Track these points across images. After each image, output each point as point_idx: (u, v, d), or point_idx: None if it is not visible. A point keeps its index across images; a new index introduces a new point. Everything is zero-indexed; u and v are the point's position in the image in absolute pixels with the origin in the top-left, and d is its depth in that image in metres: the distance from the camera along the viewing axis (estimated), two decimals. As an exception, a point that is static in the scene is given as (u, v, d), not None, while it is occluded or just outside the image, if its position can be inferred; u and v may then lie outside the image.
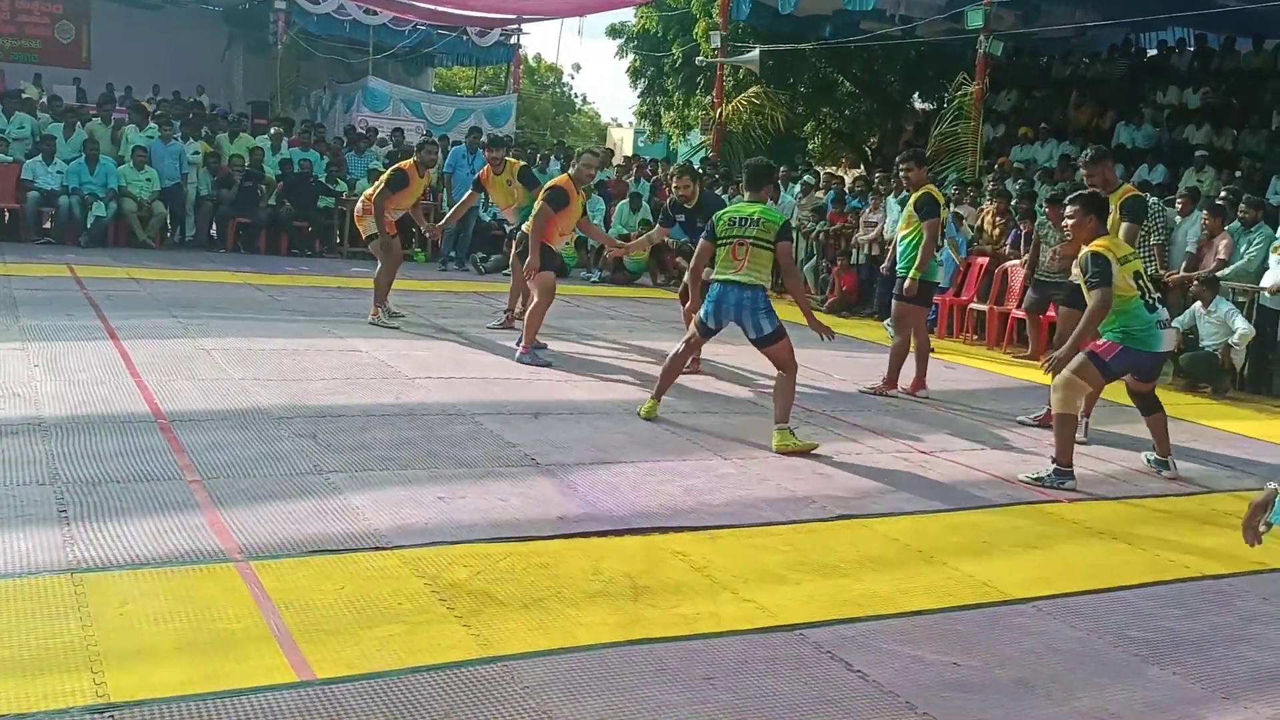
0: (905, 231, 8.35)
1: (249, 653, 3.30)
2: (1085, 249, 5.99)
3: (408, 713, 3.03)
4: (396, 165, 10.20)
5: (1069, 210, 6.16)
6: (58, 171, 13.69)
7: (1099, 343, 6.04)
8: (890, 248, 9.17)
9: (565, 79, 47.42)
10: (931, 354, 8.77)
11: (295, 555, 4.10)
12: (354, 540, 4.30)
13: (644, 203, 16.44)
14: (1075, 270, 6.38)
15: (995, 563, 4.72)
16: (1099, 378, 6.10)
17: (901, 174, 8.65)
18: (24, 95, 16.80)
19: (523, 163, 10.93)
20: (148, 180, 14.08)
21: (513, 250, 9.99)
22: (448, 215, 11.33)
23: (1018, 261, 11.51)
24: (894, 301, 8.44)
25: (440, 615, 3.69)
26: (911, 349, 8.38)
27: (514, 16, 23.79)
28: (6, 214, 13.81)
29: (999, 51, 15.74)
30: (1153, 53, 20.70)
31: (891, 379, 8.39)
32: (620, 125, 45.80)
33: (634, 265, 15.36)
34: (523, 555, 4.31)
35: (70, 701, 2.91)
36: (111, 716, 2.87)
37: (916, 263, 8.09)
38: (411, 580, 3.97)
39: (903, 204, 9.04)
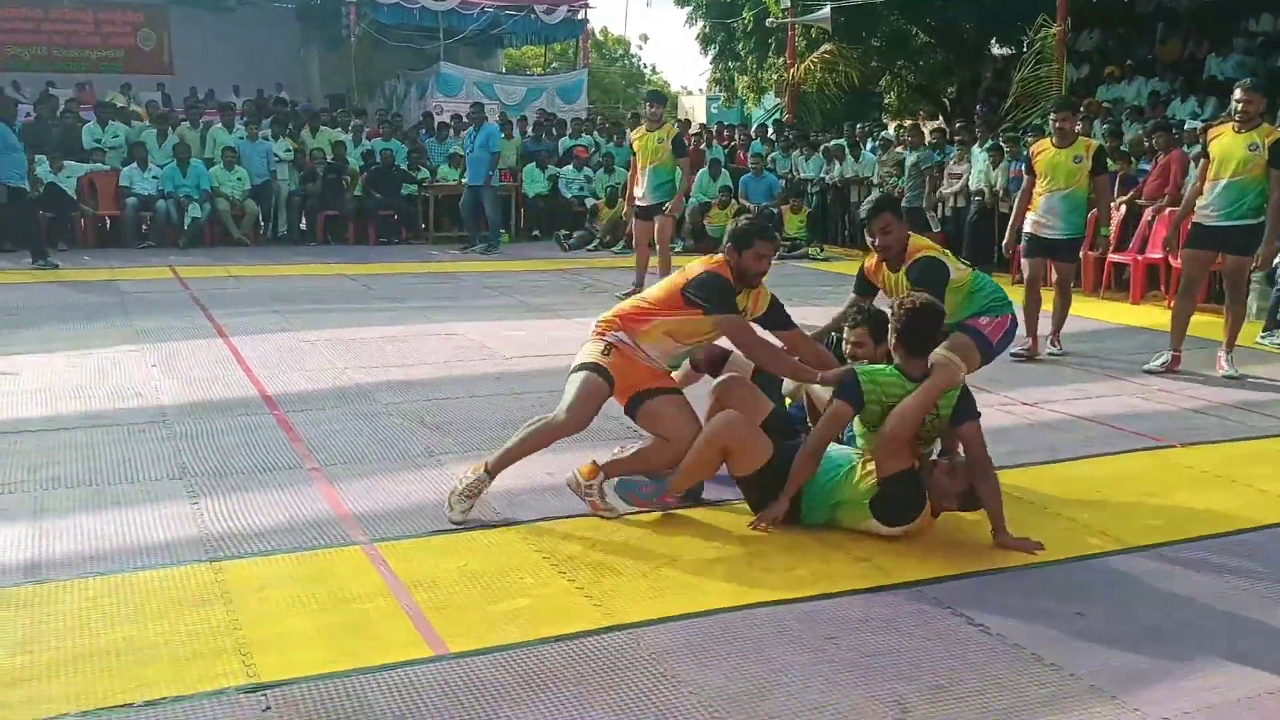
0: (1065, 188, 7.76)
1: (383, 630, 3.43)
2: None
3: (540, 682, 3.12)
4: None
5: None
6: (153, 177, 14.15)
7: None
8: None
9: (633, 50, 47.35)
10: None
11: (417, 535, 4.23)
12: (471, 518, 4.42)
13: (723, 169, 16.38)
14: None
15: (1111, 511, 4.67)
16: None
17: (1057, 125, 7.87)
18: (118, 105, 17.34)
19: (678, 129, 10.95)
20: (238, 179, 14.46)
21: (632, 226, 10.41)
22: (624, 194, 11.96)
23: (1161, 204, 11.05)
24: (1056, 262, 7.99)
25: (562, 587, 3.79)
26: (1046, 307, 8.08)
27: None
28: (108, 221, 14.32)
29: (1080, -12, 15.30)
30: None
31: (1048, 334, 8.06)
32: (691, 93, 45.55)
33: (716, 232, 15.33)
34: (635, 526, 4.39)
35: (225, 683, 3.07)
36: (263, 695, 3.01)
37: (1105, 218, 8.45)
38: (530, 554, 4.07)
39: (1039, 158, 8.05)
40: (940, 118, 22.74)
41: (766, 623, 3.55)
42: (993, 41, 23.16)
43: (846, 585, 3.86)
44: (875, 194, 6.15)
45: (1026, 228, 8.01)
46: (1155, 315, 9.92)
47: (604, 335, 4.62)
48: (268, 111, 17.84)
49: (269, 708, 2.94)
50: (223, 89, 21.42)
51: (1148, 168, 11.90)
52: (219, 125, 15.49)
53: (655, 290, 4.68)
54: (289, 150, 15.47)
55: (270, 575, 3.82)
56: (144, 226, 14.16)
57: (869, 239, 5.15)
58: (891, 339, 4.36)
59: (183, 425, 5.65)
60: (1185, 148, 11.57)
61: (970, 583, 3.91)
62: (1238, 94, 7.10)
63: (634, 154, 10.28)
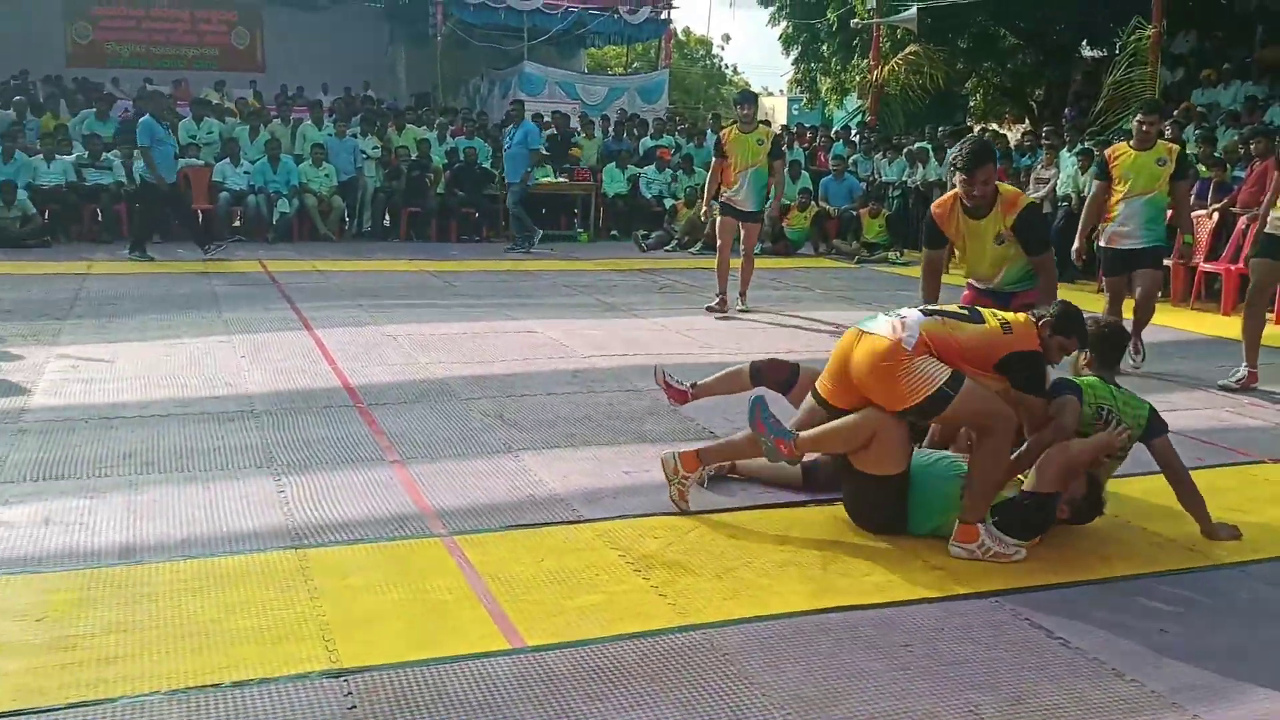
0: (1146, 193, 7.42)
1: (462, 621, 3.49)
2: None
3: (615, 679, 3.16)
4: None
5: None
6: (244, 172, 14.53)
7: None
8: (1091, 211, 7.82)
9: (715, 50, 47.29)
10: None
11: (495, 530, 4.30)
12: (548, 514, 4.48)
13: (803, 170, 16.29)
14: None
15: (1196, 527, 4.56)
16: None
17: (1145, 128, 7.42)
18: (213, 101, 17.84)
19: (776, 131, 10.96)
20: (326, 176, 14.77)
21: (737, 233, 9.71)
22: (703, 196, 11.10)
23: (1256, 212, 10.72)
24: (1140, 273, 7.51)
25: (637, 585, 3.82)
26: (1127, 313, 7.46)
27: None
28: (201, 215, 14.72)
29: (1176, -10, 14.92)
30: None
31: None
32: (772, 94, 45.35)
33: (795, 235, 15.28)
34: (710, 526, 4.40)
35: (308, 667, 3.15)
36: (345, 680, 3.09)
37: (1188, 225, 8.28)
38: (606, 552, 4.11)
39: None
40: (1027, 120, 22.35)
41: (840, 627, 3.54)
42: (1084, 43, 22.70)
43: (923, 592, 3.83)
44: (971, 139, 5.58)
45: (1102, 241, 7.67)
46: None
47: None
48: (355, 109, 18.20)
49: (350, 693, 3.02)
50: (312, 86, 21.90)
51: (1243, 174, 11.58)
52: (308, 122, 15.87)
53: (971, 336, 4.21)
54: (376, 148, 15.78)
55: (352, 564, 3.91)
56: (236, 221, 14.55)
57: (966, 189, 5.06)
58: (1088, 354, 4.63)
59: (270, 415, 5.79)
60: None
61: (1049, 595, 3.85)
62: None
63: (721, 155, 9.67)
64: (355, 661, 3.19)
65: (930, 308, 4.39)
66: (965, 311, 4.37)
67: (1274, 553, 4.31)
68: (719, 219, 9.93)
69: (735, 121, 9.91)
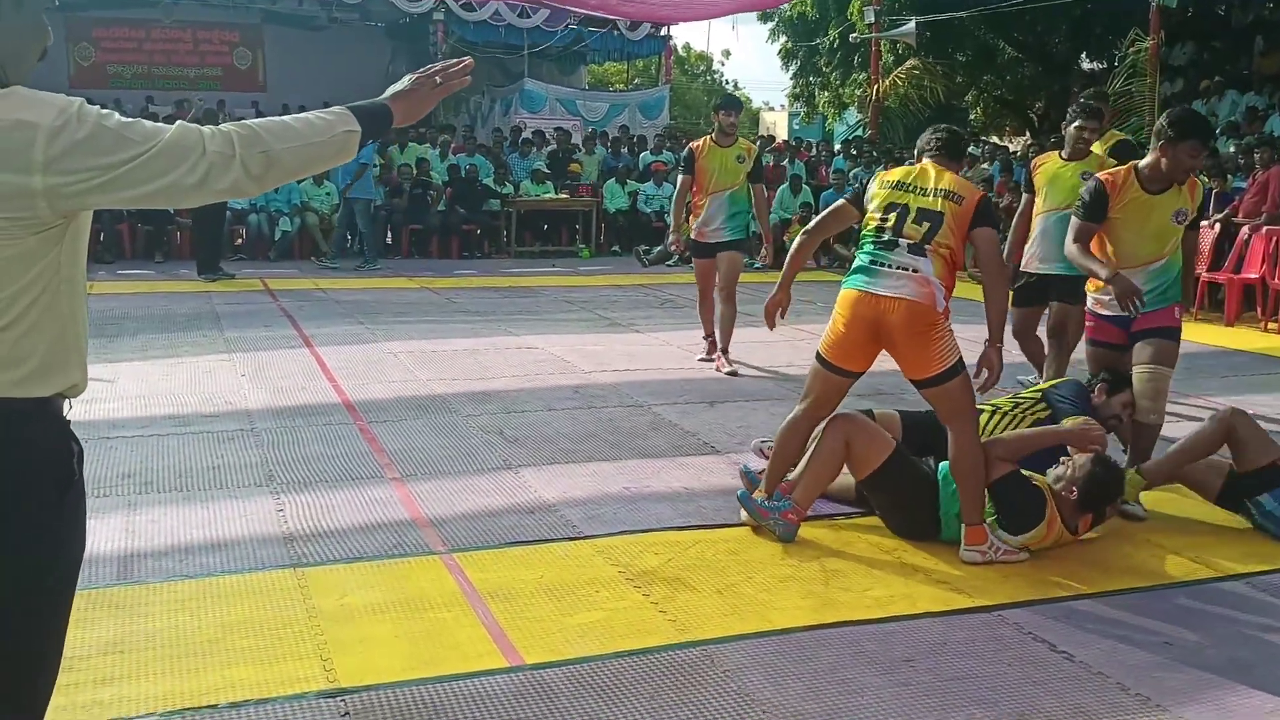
0: (1066, 209, 6.52)
1: (460, 640, 3.47)
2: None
3: (614, 696, 3.13)
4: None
5: None
6: (246, 191, 14.53)
7: None
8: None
9: (715, 66, 47.43)
10: None
11: (494, 547, 4.28)
12: (548, 531, 4.46)
13: (804, 185, 16.30)
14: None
15: (1201, 539, 4.53)
16: None
17: (1087, 135, 6.35)
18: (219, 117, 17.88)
19: (758, 149, 8.51)
20: (327, 194, 14.79)
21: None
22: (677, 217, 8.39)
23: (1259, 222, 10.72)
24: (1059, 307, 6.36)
25: (636, 602, 3.79)
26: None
27: (667, 23, 23.91)
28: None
29: (1174, 3, 14.94)
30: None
31: None
32: (773, 109, 45.47)
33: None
34: (711, 542, 4.38)
35: (305, 687, 3.13)
36: (342, 700, 3.07)
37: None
38: (606, 568, 4.08)
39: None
40: (1028, 133, 22.38)
41: (842, 643, 3.51)
42: (1083, 55, 22.75)
43: (925, 607, 3.81)
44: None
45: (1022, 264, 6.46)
46: (1250, 338, 9.65)
47: None
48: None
49: (347, 713, 2.99)
50: (313, 105, 21.81)
51: (1244, 185, 11.58)
52: (310, 141, 15.88)
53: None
54: (376, 166, 15.75)
55: (351, 582, 3.89)
56: (237, 240, 14.56)
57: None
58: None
59: (270, 433, 5.78)
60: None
61: (1052, 608, 3.82)
62: None
63: (691, 171, 7.84)
64: (353, 681, 3.17)
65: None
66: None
67: (1278, 565, 4.27)
68: (695, 262, 8.14)
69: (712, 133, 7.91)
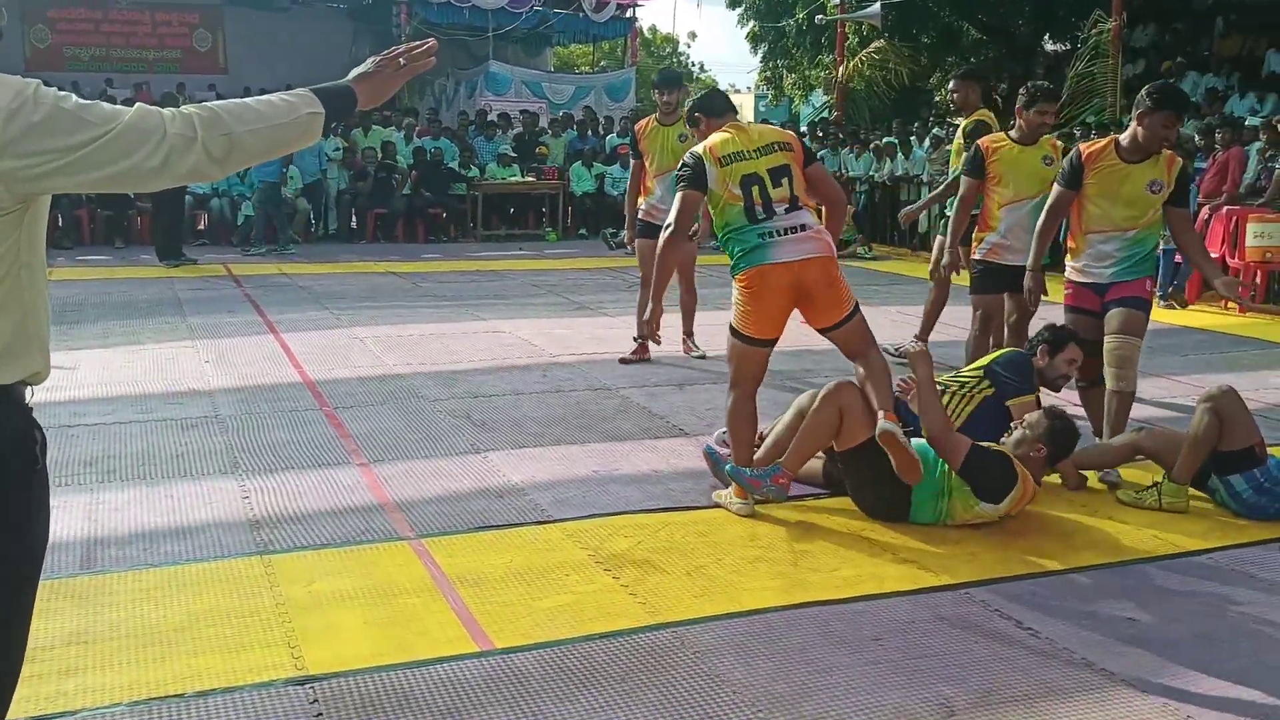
0: (1035, 198, 6.02)
1: (430, 625, 3.45)
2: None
3: (585, 679, 3.13)
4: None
5: None
6: (207, 175, 14.36)
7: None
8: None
9: (682, 48, 47.26)
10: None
11: (463, 531, 4.26)
12: (516, 515, 4.45)
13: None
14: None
15: (1164, 515, 4.59)
16: None
17: (1045, 119, 6.10)
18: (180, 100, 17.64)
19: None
20: (291, 178, 14.64)
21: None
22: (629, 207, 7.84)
23: (1219, 202, 10.82)
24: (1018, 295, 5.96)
25: (606, 585, 3.79)
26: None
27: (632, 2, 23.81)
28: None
29: (1137, -16, 15.05)
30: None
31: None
32: (739, 91, 45.41)
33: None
34: (680, 524, 4.39)
35: (273, 675, 3.11)
36: (311, 688, 3.05)
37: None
38: (575, 552, 4.08)
39: None
40: (992, 114, 22.47)
41: (811, 623, 3.53)
42: (1045, 37, 22.87)
43: (893, 586, 3.83)
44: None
45: (977, 254, 6.16)
46: (1210, 317, 9.78)
47: None
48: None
49: (315, 700, 2.97)
50: (275, 88, 21.53)
51: (1204, 165, 11.70)
52: (271, 123, 15.71)
53: None
54: (338, 149, 15.64)
55: (318, 569, 3.87)
56: (200, 225, 14.39)
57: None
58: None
59: (234, 420, 5.73)
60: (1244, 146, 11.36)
61: (1019, 585, 3.86)
62: None
63: (639, 154, 7.50)
64: (321, 668, 3.15)
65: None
66: None
67: (1238, 540, 4.34)
68: (638, 243, 7.49)
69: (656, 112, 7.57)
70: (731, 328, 4.60)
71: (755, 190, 4.46)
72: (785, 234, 4.43)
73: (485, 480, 4.86)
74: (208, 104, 1.96)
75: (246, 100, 1.99)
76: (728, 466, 4.57)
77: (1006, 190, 5.95)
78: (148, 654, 3.21)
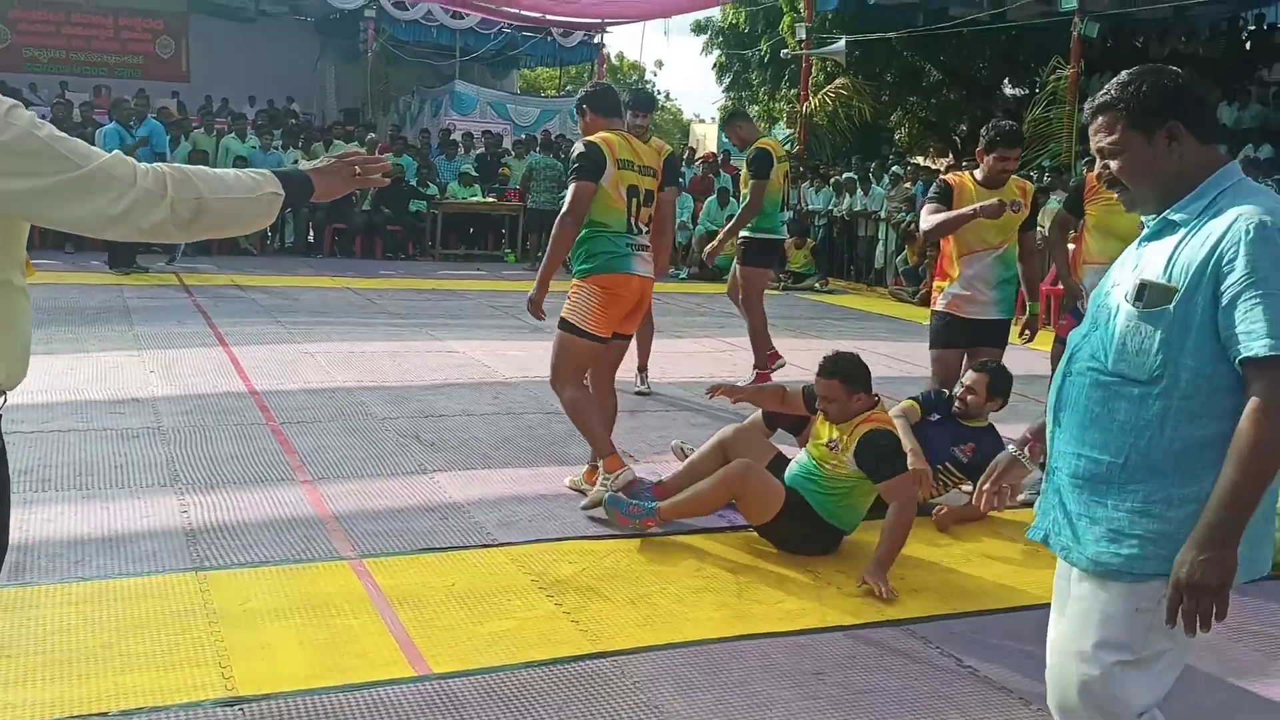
0: (998, 248, 5.54)
1: (367, 648, 3.39)
2: None
3: (522, 707, 3.09)
4: None
5: None
6: (164, 183, 14.18)
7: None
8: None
9: (648, 76, 47.49)
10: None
11: (406, 553, 4.20)
12: (461, 537, 4.39)
13: (730, 197, 16.39)
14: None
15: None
16: None
17: (1008, 163, 5.45)
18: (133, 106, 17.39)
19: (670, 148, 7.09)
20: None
21: None
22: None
23: None
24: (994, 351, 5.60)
25: (548, 611, 3.75)
26: None
27: (599, 20, 23.89)
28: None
29: (1094, 33, 15.34)
30: (1251, 29, 20.04)
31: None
32: (704, 121, 45.69)
33: (723, 260, 15.32)
34: (625, 552, 4.36)
35: (202, 695, 3.03)
36: (240, 709, 2.98)
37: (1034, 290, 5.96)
38: (519, 577, 4.03)
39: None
40: (950, 155, 22.80)
41: (753, 655, 3.51)
42: (1005, 81, 23.25)
43: (836, 620, 3.82)
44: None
45: (939, 305, 5.64)
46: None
47: None
48: (280, 123, 17.93)
49: (245, 722, 2.91)
50: (238, 99, 21.51)
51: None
52: (232, 134, 15.58)
53: None
54: (296, 162, 15.52)
55: (255, 587, 3.79)
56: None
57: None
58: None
59: (177, 432, 5.63)
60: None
61: (961, 623, 3.87)
62: None
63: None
64: (252, 689, 3.08)
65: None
66: None
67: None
68: None
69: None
70: (572, 326, 4.87)
71: (634, 203, 4.89)
72: (640, 250, 4.93)
73: (431, 501, 4.81)
74: (179, 165, 1.99)
75: (215, 170, 2.05)
76: (607, 495, 4.60)
77: (968, 236, 5.39)
78: (72, 670, 3.12)
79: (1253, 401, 1.94)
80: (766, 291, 7.96)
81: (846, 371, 4.38)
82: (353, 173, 2.31)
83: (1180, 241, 2.08)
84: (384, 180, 2.41)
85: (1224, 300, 1.98)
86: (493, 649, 3.43)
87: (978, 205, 5.22)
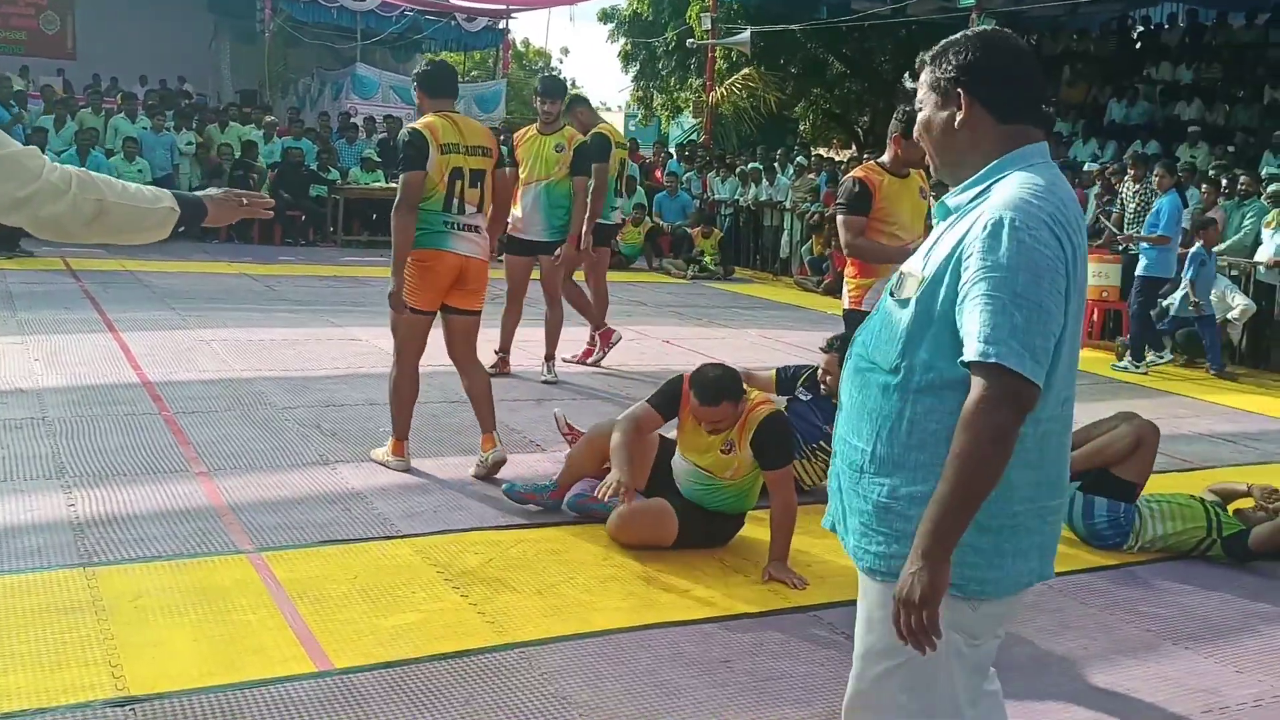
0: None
1: (265, 643, 3.30)
2: None
3: (428, 701, 3.03)
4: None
5: None
6: (49, 164, 13.63)
7: None
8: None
9: (554, 63, 47.25)
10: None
11: (306, 545, 4.10)
12: (364, 529, 4.30)
13: (638, 186, 16.39)
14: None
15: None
16: None
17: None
18: (15, 88, 16.67)
19: (585, 138, 7.35)
20: (139, 171, 13.97)
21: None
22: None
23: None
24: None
25: (455, 603, 3.69)
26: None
27: (503, 7, 23.65)
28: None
29: (991, 25, 15.69)
30: (1141, 29, 20.74)
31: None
32: (610, 109, 45.65)
33: (629, 250, 15.34)
34: (533, 542, 4.31)
35: (90, 695, 2.91)
36: (132, 710, 2.87)
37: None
38: (424, 568, 3.97)
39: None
40: (854, 146, 23.15)
41: (661, 644, 3.50)
42: (906, 75, 23.64)
43: (743, 608, 3.84)
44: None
45: (868, 304, 5.17)
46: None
47: None
48: (173, 103, 17.36)
49: (136, 723, 2.80)
50: (128, 78, 20.76)
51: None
52: (121, 114, 15.03)
53: None
54: (190, 144, 15.07)
55: (147, 583, 3.65)
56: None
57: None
58: None
59: (64, 423, 5.40)
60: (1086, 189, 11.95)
61: (865, 608, 3.91)
62: None
63: (514, 163, 7.01)
64: (144, 689, 2.96)
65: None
66: None
67: (1077, 565, 4.49)
68: (506, 259, 7.32)
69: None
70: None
71: (458, 185, 4.96)
72: (464, 230, 4.99)
73: (332, 492, 4.70)
74: (87, 170, 2.19)
75: (118, 180, 2.25)
76: (504, 485, 4.72)
77: (892, 227, 5.03)
78: (-51, 673, 2.97)
79: (965, 406, 1.82)
80: (674, 279, 7.99)
81: (729, 390, 4.15)
82: (240, 203, 2.50)
83: (947, 229, 1.99)
84: (268, 214, 2.60)
85: (959, 297, 1.87)
86: (397, 643, 3.36)
87: (909, 245, 4.81)
